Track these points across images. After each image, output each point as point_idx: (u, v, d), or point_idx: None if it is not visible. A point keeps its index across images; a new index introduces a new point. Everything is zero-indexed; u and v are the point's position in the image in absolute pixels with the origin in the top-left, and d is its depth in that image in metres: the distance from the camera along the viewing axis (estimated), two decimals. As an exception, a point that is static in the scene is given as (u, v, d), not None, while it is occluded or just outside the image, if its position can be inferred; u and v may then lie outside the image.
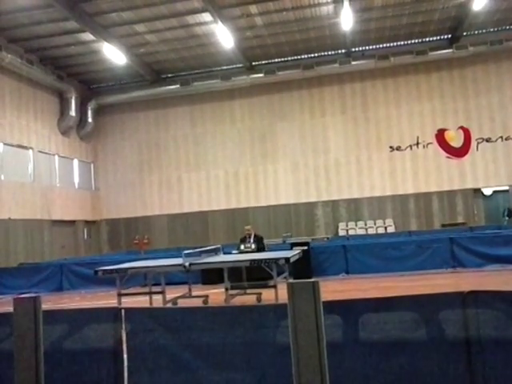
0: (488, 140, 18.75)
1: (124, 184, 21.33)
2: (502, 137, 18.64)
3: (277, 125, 20.28)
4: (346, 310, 2.99)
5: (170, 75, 20.59)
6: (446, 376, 2.82)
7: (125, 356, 3.24)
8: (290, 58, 19.63)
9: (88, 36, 16.35)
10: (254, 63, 19.84)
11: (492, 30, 18.32)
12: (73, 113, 19.61)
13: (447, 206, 19.01)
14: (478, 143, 18.80)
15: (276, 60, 19.75)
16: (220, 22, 15.70)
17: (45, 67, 18.01)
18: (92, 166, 21.62)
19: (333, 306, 2.90)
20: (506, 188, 18.97)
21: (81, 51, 17.66)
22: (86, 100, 20.51)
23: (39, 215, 17.66)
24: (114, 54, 17.17)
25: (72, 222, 19.76)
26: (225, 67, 19.97)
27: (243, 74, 19.74)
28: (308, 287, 2.10)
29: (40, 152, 18.29)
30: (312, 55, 19.46)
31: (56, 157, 19.27)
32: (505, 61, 18.69)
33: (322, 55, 19.45)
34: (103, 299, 9.94)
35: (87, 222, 20.75)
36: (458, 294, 2.88)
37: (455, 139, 18.97)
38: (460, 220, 18.75)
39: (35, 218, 17.38)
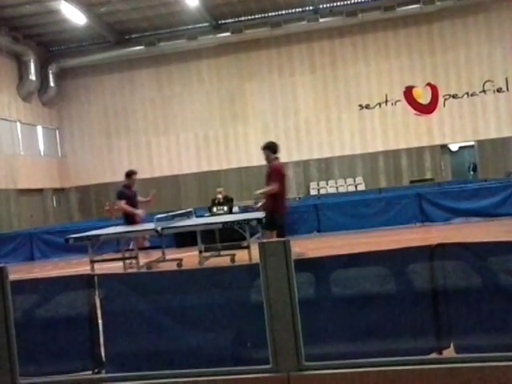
0: (454, 96, 18.98)
1: (92, 150, 20.83)
2: (467, 93, 18.89)
3: (245, 85, 19.98)
4: (318, 266, 3.05)
5: (133, 36, 19.84)
6: (413, 326, 2.94)
7: (100, 322, 3.24)
8: (257, 16, 19.15)
9: (44, -6, 15.52)
10: (220, 22, 19.29)
11: (459, -16, 18.23)
12: (33, 77, 18.77)
13: (415, 162, 19.37)
14: (445, 99, 19.02)
15: (243, 18, 19.23)
16: (183, -22, 15.11)
17: (-2, 28, 17.07)
18: (57, 132, 20.96)
19: (304, 264, 2.95)
20: (472, 143, 19.41)
21: (37, 10, 16.75)
22: (47, 63, 19.64)
23: (4, 185, 17.15)
24: (72, 14, 16.38)
25: (40, 191, 19.30)
26: (190, 26, 19.35)
27: (210, 34, 19.20)
28: (279, 246, 2.12)
29: (0, 119, 17.58)
30: (279, 12, 19.02)
31: (18, 124, 18.56)
32: (471, 16, 18.71)
33: (289, 12, 19.04)
34: (76, 267, 9.86)
35: (56, 190, 20.30)
36: (426, 248, 2.96)
37: (423, 96, 19.13)
38: (428, 176, 19.18)
39: (0, 188, 16.88)
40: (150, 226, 7.71)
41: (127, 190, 9.05)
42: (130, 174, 9.20)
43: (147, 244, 8.95)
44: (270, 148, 7.11)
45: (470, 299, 2.89)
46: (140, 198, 9.27)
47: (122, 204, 8.82)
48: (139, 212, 8.86)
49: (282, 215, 6.94)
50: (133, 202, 8.95)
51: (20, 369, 2.88)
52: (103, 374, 3.15)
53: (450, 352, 2.86)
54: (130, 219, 8.82)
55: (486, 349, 2.72)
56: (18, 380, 2.86)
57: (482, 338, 2.86)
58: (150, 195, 9.28)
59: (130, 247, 8.90)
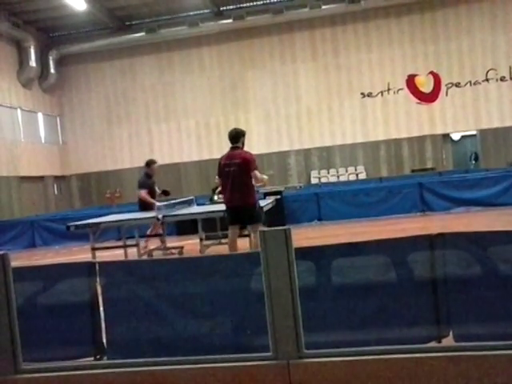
0: (457, 85, 18.86)
1: (93, 137, 20.79)
2: (470, 81, 18.77)
3: (247, 72, 19.87)
4: (319, 255, 3.05)
5: (134, 22, 19.69)
6: (413, 314, 2.95)
7: (101, 309, 3.26)
8: (259, 3, 18.96)
9: (44, -20, 15.36)
10: (221, 8, 19.12)
11: (463, -30, 18.03)
12: (33, 63, 18.66)
13: (417, 151, 19.32)
14: (448, 88, 18.90)
15: (245, 5, 19.05)
16: (185, -36, 14.95)
17: (-2, 13, 16.92)
18: (58, 119, 20.90)
19: (305, 252, 2.95)
20: (474, 133, 19.33)
21: (37, -4, 16.62)
22: (47, 49, 19.52)
23: (5, 172, 17.15)
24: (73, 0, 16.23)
25: (41, 178, 19.31)
26: (192, 13, 19.18)
27: (211, 20, 19.04)
28: (280, 235, 2.12)
29: (0, 106, 17.52)
30: (282, -1, 18.86)
31: (18, 110, 18.50)
32: (475, 2, 18.51)
33: (291, -1, 18.87)
34: (77, 254, 9.90)
35: (57, 178, 20.31)
36: (426, 237, 2.96)
37: (425, 84, 19.01)
38: (429, 165, 19.14)
39: (1, 176, 16.89)
40: (152, 213, 7.72)
41: (147, 180, 9.02)
42: (149, 164, 9.15)
43: (160, 231, 8.92)
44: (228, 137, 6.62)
45: (470, 288, 2.90)
46: (157, 189, 9.21)
47: (143, 193, 8.80)
48: (157, 204, 8.83)
49: (227, 209, 6.59)
50: (152, 192, 8.92)
51: (23, 354, 2.91)
52: (105, 361, 3.17)
53: (449, 340, 2.88)
54: (145, 208, 8.75)
55: (484, 338, 2.74)
56: (21, 365, 2.89)
57: (481, 326, 2.87)
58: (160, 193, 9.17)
59: (148, 233, 8.94)
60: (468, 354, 2.57)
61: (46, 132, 20.14)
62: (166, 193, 9.24)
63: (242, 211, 6.38)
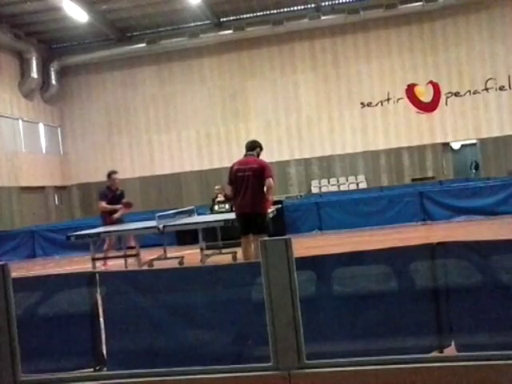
0: (456, 94, 18.94)
1: (93, 147, 20.84)
2: (469, 91, 18.85)
3: (247, 83, 19.97)
4: (320, 264, 3.05)
5: (135, 33, 19.83)
6: (415, 324, 2.94)
7: (101, 319, 3.24)
8: (259, 14, 19.12)
9: (46, -8, 15.50)
10: (221, 19, 19.26)
11: (461, -19, 18.17)
12: (34, 74, 18.77)
13: (417, 160, 19.34)
14: (447, 97, 18.98)
15: (245, 16, 19.21)
16: (185, -24, 15.08)
17: (0, 25, 17.05)
18: (59, 129, 20.97)
19: (306, 262, 2.95)
20: (474, 141, 19.36)
21: (39, 8, 16.75)
22: (48, 61, 19.65)
23: (6, 182, 17.17)
24: (74, 11, 16.36)
25: (42, 188, 19.32)
26: (192, 24, 19.34)
27: (211, 31, 19.19)
28: (280, 244, 2.12)
29: (2, 116, 17.59)
30: (281, 10, 18.99)
31: (20, 121, 18.57)
32: (473, 13, 18.65)
33: (291, 10, 19.01)
34: (78, 264, 9.88)
35: (57, 188, 20.33)
36: (427, 246, 2.96)
37: (425, 94, 19.09)
38: (430, 174, 19.15)
39: (2, 186, 16.91)
40: (152, 223, 7.72)
41: (107, 191, 9.02)
42: (109, 175, 9.20)
43: (132, 243, 8.83)
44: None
45: (472, 297, 2.89)
46: (124, 200, 9.13)
47: (99, 203, 8.88)
48: (118, 207, 8.81)
49: (237, 217, 6.46)
50: (112, 204, 8.87)
51: (22, 366, 2.89)
52: (105, 372, 3.15)
53: (451, 350, 2.86)
54: (104, 219, 8.84)
55: (487, 347, 2.72)
56: (20, 377, 2.87)
57: (483, 336, 2.86)
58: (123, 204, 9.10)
59: (104, 248, 8.85)
60: (470, 363, 2.55)
61: (47, 142, 20.19)
62: (127, 205, 9.04)
63: (251, 219, 6.20)
